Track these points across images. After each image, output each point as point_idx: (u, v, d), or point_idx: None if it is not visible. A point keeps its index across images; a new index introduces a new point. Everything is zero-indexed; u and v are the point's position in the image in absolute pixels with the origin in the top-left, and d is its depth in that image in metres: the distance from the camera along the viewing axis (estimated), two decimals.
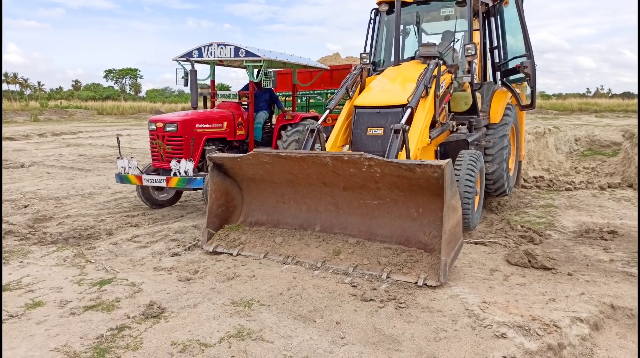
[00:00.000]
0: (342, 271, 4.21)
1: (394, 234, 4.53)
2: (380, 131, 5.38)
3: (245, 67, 7.61)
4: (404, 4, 6.73)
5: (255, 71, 7.49)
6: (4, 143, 16.38)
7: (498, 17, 7.44)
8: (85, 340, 2.99)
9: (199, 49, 7.38)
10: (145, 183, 6.55)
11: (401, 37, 7.13)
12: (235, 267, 4.41)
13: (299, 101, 11.31)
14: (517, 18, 7.20)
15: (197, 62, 7.47)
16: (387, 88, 5.84)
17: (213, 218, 5.07)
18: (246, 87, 8.14)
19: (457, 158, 5.48)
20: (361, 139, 5.51)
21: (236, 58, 7.16)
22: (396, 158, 4.64)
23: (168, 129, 6.71)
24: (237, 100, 7.87)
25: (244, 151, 7.62)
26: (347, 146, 5.79)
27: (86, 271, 4.32)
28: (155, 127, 6.80)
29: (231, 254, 4.76)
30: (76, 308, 3.47)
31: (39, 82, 72.92)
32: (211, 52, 7.31)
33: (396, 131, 4.79)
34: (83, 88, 73.14)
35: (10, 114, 29.19)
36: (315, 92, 11.29)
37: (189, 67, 7.27)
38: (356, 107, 5.68)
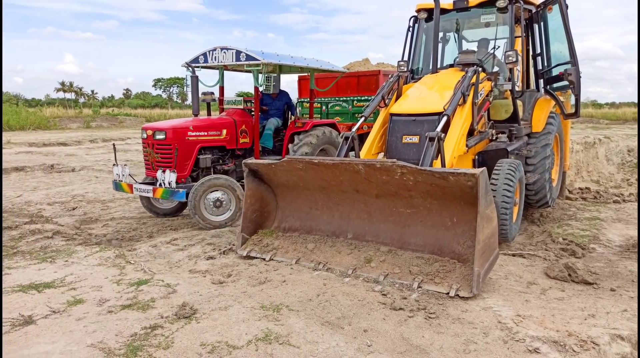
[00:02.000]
0: (372, 279, 4.19)
1: (426, 243, 4.46)
2: (415, 139, 5.33)
3: (250, 72, 7.14)
4: (444, 11, 6.66)
5: (260, 75, 7.14)
6: (57, 148, 17.27)
7: (542, 23, 7.24)
8: (120, 338, 3.11)
9: (205, 54, 7.12)
10: (135, 192, 6.41)
11: (440, 44, 7.05)
12: (267, 272, 4.47)
13: (323, 107, 11.04)
14: (562, 24, 6.98)
15: (203, 67, 7.25)
16: (424, 96, 5.78)
17: (248, 223, 5.16)
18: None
19: (495, 167, 5.35)
20: (396, 147, 5.47)
21: (237, 62, 6.81)
22: (431, 166, 4.58)
23: (157, 137, 6.41)
24: (241, 107, 7.49)
25: (239, 159, 7.25)
26: (382, 154, 5.76)
27: (125, 271, 4.49)
28: (146, 136, 6.55)
29: (264, 259, 4.83)
30: (113, 307, 3.61)
31: (92, 91, 76.60)
32: (215, 57, 7.01)
33: (431, 139, 4.73)
34: (133, 96, 76.18)
35: (65, 120, 30.79)
36: (341, 99, 10.87)
37: (197, 72, 7.09)
38: (392, 115, 5.65)
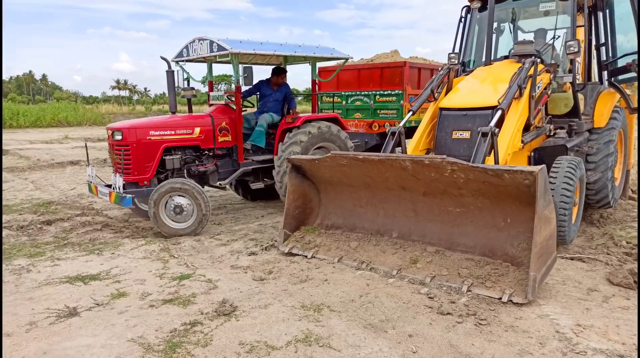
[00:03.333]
0: (418, 281, 3.99)
1: (477, 244, 4.21)
2: (466, 135, 5.06)
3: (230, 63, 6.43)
4: (498, 0, 6.30)
5: (241, 66, 6.40)
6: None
7: (607, 11, 6.73)
8: (160, 333, 3.08)
9: (186, 48, 6.67)
10: (99, 195, 6.01)
11: (494, 35, 6.69)
12: (309, 270, 4.36)
13: (343, 102, 9.85)
14: (630, 11, 6.45)
15: (188, 61, 6.84)
16: (476, 89, 5.49)
17: (290, 220, 5.07)
18: (256, 87, 7.35)
19: (554, 165, 5.00)
20: (445, 142, 5.22)
21: (211, 54, 6.30)
22: (483, 163, 4.32)
23: (116, 137, 5.84)
24: (223, 102, 6.75)
25: (231, 160, 6.71)
26: (431, 150, 5.52)
27: (169, 265, 4.51)
28: (107, 136, 6.13)
29: (306, 256, 4.72)
30: (155, 301, 3.60)
31: (145, 88, 79.52)
32: (194, 50, 6.56)
33: (484, 134, 4.46)
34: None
35: (119, 117, 32.01)
36: (362, 93, 9.61)
37: (186, 67, 6.67)
38: (441, 109, 5.39)
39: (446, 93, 5.82)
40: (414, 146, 5.43)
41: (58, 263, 4.51)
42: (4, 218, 6.49)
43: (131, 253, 4.90)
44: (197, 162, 6.40)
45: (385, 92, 9.21)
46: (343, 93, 9.78)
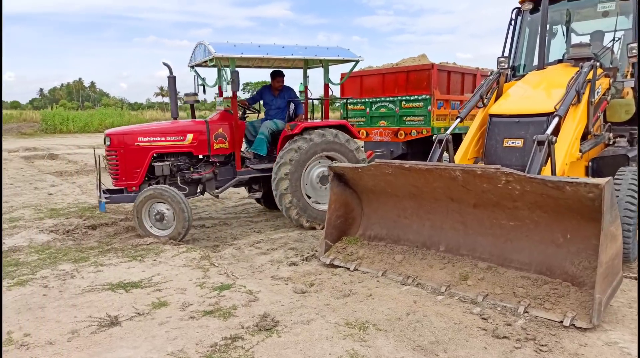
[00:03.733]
0: (469, 299, 3.75)
1: (533, 261, 3.93)
2: (519, 143, 4.79)
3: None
4: (552, 1, 5.98)
5: (228, 70, 6.20)
6: None
7: None
8: (200, 348, 2.99)
9: (193, 53, 6.59)
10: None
11: (547, 38, 6.36)
12: (352, 283, 4.19)
13: (367, 109, 9.32)
14: None
15: (197, 66, 6.68)
16: (529, 95, 5.19)
17: (331, 230, 4.92)
18: (259, 93, 7.12)
19: (616, 176, 4.65)
20: (496, 151, 4.95)
21: (206, 58, 6.12)
22: (539, 173, 4.04)
23: (106, 143, 5.91)
24: (222, 108, 6.63)
25: (232, 168, 6.49)
26: (479, 158, 5.26)
27: (209, 274, 4.44)
28: (103, 142, 6.19)
29: (348, 268, 4.56)
30: (196, 312, 3.52)
31: (185, 94, 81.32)
32: (196, 55, 6.48)
33: (540, 143, 4.18)
34: (224, 99, 79.80)
35: None
36: (387, 99, 8.94)
37: (201, 73, 6.50)
38: (491, 116, 5.13)
39: (496, 99, 5.55)
40: (461, 154, 5.19)
41: (101, 269, 4.52)
42: (52, 221, 6.65)
43: (172, 260, 4.87)
44: (192, 169, 6.26)
45: (412, 98, 8.55)
46: (367, 100, 9.21)
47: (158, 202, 5.62)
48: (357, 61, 6.72)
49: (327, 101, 7.01)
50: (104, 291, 3.96)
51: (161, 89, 76.58)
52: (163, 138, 6.08)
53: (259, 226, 6.70)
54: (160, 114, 38.58)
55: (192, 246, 5.44)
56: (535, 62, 6.20)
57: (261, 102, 7.26)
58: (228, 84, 6.01)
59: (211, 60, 6.01)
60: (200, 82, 6.59)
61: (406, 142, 8.73)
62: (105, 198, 5.83)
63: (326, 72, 6.82)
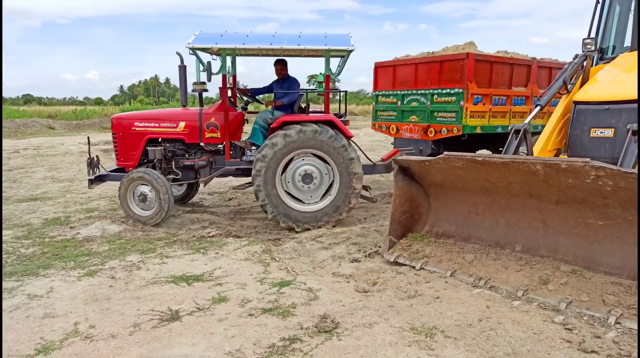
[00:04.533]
0: (550, 306, 3.38)
1: (625, 265, 3.48)
2: (609, 133, 4.28)
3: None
4: None
5: (229, 58, 6.24)
6: None
7: None
8: (258, 348, 2.89)
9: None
10: None
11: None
12: (417, 283, 3.94)
13: (398, 103, 8.33)
14: None
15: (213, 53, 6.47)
16: (620, 79, 4.64)
17: (396, 226, 4.68)
18: (270, 84, 6.83)
19: None
20: (581, 142, 4.47)
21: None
22: (634, 167, 3.57)
23: (110, 126, 6.58)
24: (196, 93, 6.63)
25: (222, 157, 6.41)
26: (561, 150, 4.78)
27: (270, 269, 4.36)
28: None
29: (413, 267, 4.30)
30: (255, 310, 3.44)
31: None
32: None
33: (634, 133, 3.70)
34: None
35: None
36: (419, 92, 7.94)
37: (205, 59, 6.14)
38: (576, 103, 4.64)
39: (581, 84, 5.02)
40: (541, 146, 4.75)
41: (166, 261, 4.58)
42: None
43: (234, 253, 4.85)
44: (186, 156, 6.47)
45: (444, 91, 7.50)
46: (398, 92, 8.28)
47: (141, 184, 5.99)
48: (349, 52, 5.99)
49: (327, 93, 6.39)
50: (167, 284, 3.98)
51: None
52: (157, 124, 6.40)
53: None
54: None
55: (254, 240, 5.41)
56: (627, 44, 5.55)
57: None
58: (203, 71, 5.95)
59: (191, 49, 5.87)
60: (201, 68, 6.18)
61: (436, 141, 7.71)
62: (96, 177, 6.35)
63: (327, 63, 6.11)
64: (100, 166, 6.58)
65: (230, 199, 8.03)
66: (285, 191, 5.96)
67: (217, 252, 4.89)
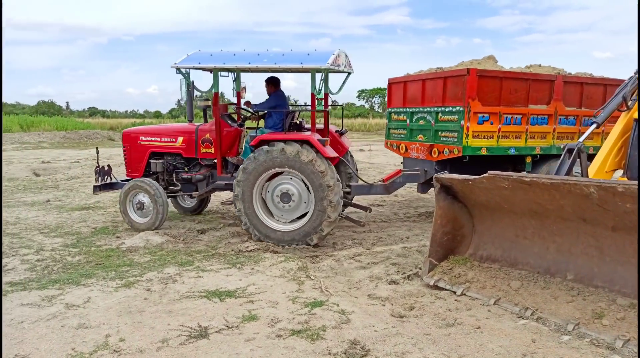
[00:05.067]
0: (605, 343, 3.07)
1: None
2: None
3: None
4: None
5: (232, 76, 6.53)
6: None
7: None
8: None
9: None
10: None
11: None
12: (457, 310, 3.71)
13: (408, 121, 7.71)
14: None
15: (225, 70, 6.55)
16: None
17: (437, 247, 4.46)
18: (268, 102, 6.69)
19: None
20: None
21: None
22: None
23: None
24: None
25: (215, 170, 6.53)
26: (622, 171, 4.42)
27: (303, 288, 4.26)
28: None
29: (454, 292, 4.07)
30: (284, 330, 3.34)
31: (304, 103, 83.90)
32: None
33: None
34: (339, 107, 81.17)
35: None
36: (425, 109, 7.37)
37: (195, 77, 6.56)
38: (638, 121, 4.28)
39: None
40: (597, 166, 4.42)
41: (201, 275, 4.59)
42: (168, 223, 7.03)
43: (269, 269, 4.79)
44: (186, 169, 6.77)
45: (447, 109, 6.95)
46: (407, 109, 7.79)
47: (139, 193, 6.36)
48: (318, 70, 5.85)
49: (313, 112, 6.16)
50: (200, 298, 3.97)
51: None
52: (159, 139, 6.78)
53: (361, 237, 6.42)
54: None
55: (291, 256, 5.33)
56: None
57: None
58: (187, 89, 6.24)
59: (177, 70, 6.06)
60: (187, 86, 6.37)
61: (439, 162, 7.11)
62: (104, 185, 6.81)
63: (312, 81, 5.94)
64: (112, 175, 6.99)
65: None
66: (263, 207, 5.96)
67: (253, 267, 4.85)
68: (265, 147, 5.74)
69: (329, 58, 5.72)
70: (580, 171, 4.35)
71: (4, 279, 4.53)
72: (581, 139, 4.41)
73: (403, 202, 9.03)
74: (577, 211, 3.55)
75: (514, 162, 7.16)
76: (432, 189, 7.12)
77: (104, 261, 5.17)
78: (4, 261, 5.14)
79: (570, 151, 4.23)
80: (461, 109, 6.60)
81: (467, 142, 6.51)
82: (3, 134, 24.06)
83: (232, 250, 5.53)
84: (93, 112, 66.97)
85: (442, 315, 3.63)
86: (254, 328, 3.40)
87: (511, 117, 6.72)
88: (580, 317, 3.36)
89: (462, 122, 6.55)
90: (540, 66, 7.97)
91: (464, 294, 4.01)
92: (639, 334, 2.97)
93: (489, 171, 3.86)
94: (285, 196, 5.84)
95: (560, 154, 6.65)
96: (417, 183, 7.38)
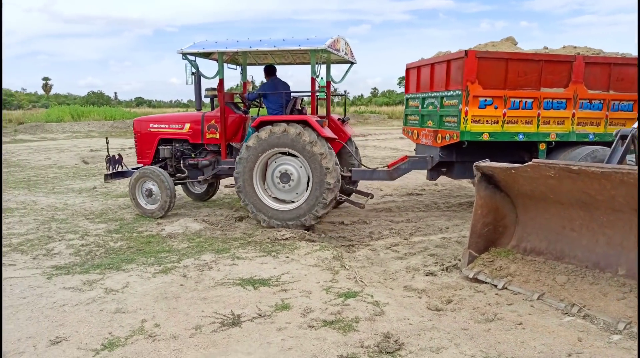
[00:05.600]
0: None
1: None
2: None
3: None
4: None
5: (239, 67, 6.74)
6: None
7: None
8: None
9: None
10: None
11: None
12: (498, 305, 3.55)
13: (420, 107, 7.46)
14: None
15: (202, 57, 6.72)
16: None
17: (477, 239, 4.29)
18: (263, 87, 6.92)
19: None
20: None
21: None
22: None
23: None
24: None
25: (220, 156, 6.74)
26: None
27: (337, 278, 4.20)
28: None
29: (495, 286, 3.90)
30: (316, 321, 3.29)
31: (345, 91, 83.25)
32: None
33: None
34: (379, 95, 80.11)
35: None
36: (432, 94, 7.09)
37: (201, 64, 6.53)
38: None
39: None
40: None
41: (237, 263, 4.61)
42: (207, 211, 7.12)
43: (304, 258, 4.76)
44: (193, 155, 6.98)
45: (449, 94, 6.67)
46: (419, 95, 7.54)
47: (147, 180, 6.59)
48: (315, 51, 5.91)
49: (313, 93, 6.38)
50: (234, 286, 3.98)
51: (319, 87, 79.99)
52: (167, 126, 7.03)
53: (399, 226, 6.29)
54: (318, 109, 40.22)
55: (326, 245, 5.28)
56: None
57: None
58: (192, 75, 6.35)
59: (183, 55, 6.24)
60: (192, 71, 6.44)
61: (443, 148, 6.79)
62: (115, 173, 7.10)
63: (312, 66, 6.12)
64: (123, 164, 7.28)
65: None
66: (264, 189, 6.16)
67: (288, 256, 4.83)
68: (269, 126, 5.91)
69: (327, 41, 5.84)
70: (634, 160, 4.05)
71: (51, 263, 4.71)
72: (635, 125, 4.10)
73: (443, 191, 8.80)
74: (630, 201, 3.30)
75: (526, 149, 6.73)
76: (442, 176, 6.97)
77: (144, 247, 5.29)
78: (51, 245, 5.36)
79: (623, 137, 3.94)
80: (459, 92, 6.34)
81: (465, 127, 6.22)
82: (56, 123, 25.20)
83: (268, 238, 5.53)
84: (140, 102, 69.12)
85: (482, 309, 3.48)
86: (286, 317, 3.37)
87: (520, 101, 6.30)
88: (632, 315, 3.14)
89: (460, 106, 6.29)
90: (575, 47, 7.47)
91: (506, 288, 3.84)
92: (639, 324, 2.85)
93: (534, 160, 3.65)
94: (285, 176, 6.03)
95: (581, 142, 6.35)
96: (426, 170, 7.13)
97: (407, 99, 7.97)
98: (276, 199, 6.16)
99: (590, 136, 6.37)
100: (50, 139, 21.29)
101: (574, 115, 6.34)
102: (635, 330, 3.02)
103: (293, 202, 6.08)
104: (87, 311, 3.46)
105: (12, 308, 3.48)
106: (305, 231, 5.99)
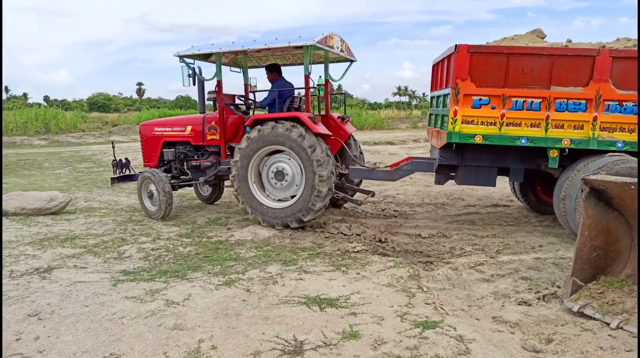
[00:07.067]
0: None
1: None
2: None
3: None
4: None
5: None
6: (383, 146, 18.46)
7: None
8: None
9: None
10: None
11: None
12: (613, 350, 2.92)
13: (435, 106, 6.84)
14: None
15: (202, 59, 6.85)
16: None
17: (582, 265, 3.63)
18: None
19: None
20: None
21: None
22: None
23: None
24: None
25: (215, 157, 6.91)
26: None
27: (414, 301, 3.73)
28: None
29: (607, 324, 3.24)
30: (388, 356, 2.86)
31: (423, 94, 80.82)
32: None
33: None
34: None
35: (396, 121, 33.39)
36: (440, 93, 6.50)
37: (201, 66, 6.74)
38: None
39: None
40: None
41: (303, 277, 4.29)
42: None
43: (376, 276, 4.34)
44: (195, 157, 7.06)
45: (444, 92, 6.05)
46: (434, 93, 6.95)
47: (149, 183, 6.75)
48: (306, 46, 5.75)
49: (307, 89, 6.22)
50: (299, 305, 3.65)
51: (399, 88, 78.52)
52: (170, 129, 7.16)
53: (484, 242, 5.67)
54: (395, 112, 39.39)
55: (402, 261, 4.82)
56: None
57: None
58: (188, 77, 6.41)
59: (179, 58, 6.37)
60: (189, 73, 6.50)
61: (442, 149, 6.06)
62: (122, 176, 7.38)
63: (306, 62, 5.99)
64: (130, 167, 7.56)
65: (384, 210, 7.56)
66: (259, 186, 6.23)
67: (359, 272, 4.43)
68: (258, 126, 5.99)
69: (316, 37, 5.78)
70: None
71: (120, 267, 4.69)
72: None
73: None
74: None
75: (536, 154, 5.75)
76: (451, 181, 6.31)
77: (212, 253, 5.15)
78: (124, 247, 5.38)
79: None
80: (447, 90, 5.76)
81: (453, 128, 5.55)
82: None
83: (338, 250, 5.18)
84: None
85: (592, 354, 2.87)
86: (354, 348, 2.97)
87: (523, 101, 5.43)
88: None
89: (449, 105, 5.65)
90: (628, 39, 6.33)
91: (621, 328, 3.17)
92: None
93: None
94: (280, 174, 6.06)
95: (605, 150, 5.29)
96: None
97: (432, 99, 7.31)
98: (277, 199, 6.20)
99: (619, 144, 5.32)
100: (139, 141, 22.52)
101: (595, 119, 5.32)
102: None
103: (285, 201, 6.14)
104: (145, 325, 3.28)
105: (73, 318, 3.39)
106: (379, 244, 5.58)
